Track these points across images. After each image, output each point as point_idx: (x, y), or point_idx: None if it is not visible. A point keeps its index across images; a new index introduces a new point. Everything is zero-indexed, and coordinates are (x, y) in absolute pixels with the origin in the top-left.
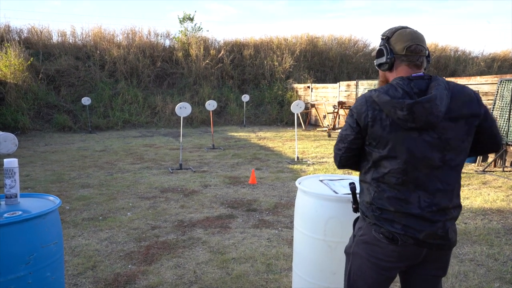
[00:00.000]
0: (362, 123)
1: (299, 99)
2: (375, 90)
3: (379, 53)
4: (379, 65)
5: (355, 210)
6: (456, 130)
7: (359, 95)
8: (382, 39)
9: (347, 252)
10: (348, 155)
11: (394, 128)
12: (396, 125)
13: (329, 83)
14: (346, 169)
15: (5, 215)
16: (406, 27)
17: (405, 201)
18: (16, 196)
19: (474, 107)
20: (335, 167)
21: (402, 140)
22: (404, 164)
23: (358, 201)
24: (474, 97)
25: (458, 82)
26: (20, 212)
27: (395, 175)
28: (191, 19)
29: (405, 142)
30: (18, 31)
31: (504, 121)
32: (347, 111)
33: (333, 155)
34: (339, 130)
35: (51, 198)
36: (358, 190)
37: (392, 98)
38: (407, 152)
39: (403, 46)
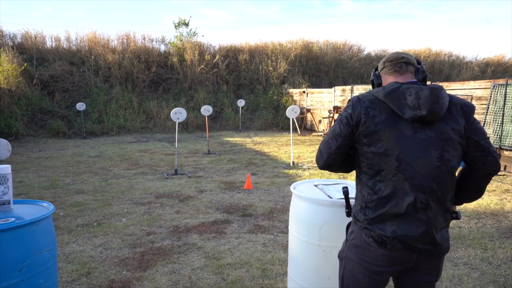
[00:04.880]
0: (355, 119)
1: (295, 104)
2: (370, 91)
3: (371, 83)
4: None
5: (348, 214)
6: (453, 133)
7: None
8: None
9: (340, 256)
10: (339, 153)
11: (387, 125)
12: (389, 122)
13: (324, 88)
14: (328, 171)
15: None
16: None
17: (399, 201)
18: (9, 203)
19: (467, 117)
20: (330, 172)
21: (394, 137)
22: (396, 161)
23: (351, 205)
24: (471, 108)
25: (452, 87)
26: (13, 219)
27: (390, 172)
28: (186, 24)
29: (398, 139)
30: (12, 36)
31: (497, 125)
32: None
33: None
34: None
35: (44, 204)
36: (353, 195)
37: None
38: (399, 149)
39: (383, 61)
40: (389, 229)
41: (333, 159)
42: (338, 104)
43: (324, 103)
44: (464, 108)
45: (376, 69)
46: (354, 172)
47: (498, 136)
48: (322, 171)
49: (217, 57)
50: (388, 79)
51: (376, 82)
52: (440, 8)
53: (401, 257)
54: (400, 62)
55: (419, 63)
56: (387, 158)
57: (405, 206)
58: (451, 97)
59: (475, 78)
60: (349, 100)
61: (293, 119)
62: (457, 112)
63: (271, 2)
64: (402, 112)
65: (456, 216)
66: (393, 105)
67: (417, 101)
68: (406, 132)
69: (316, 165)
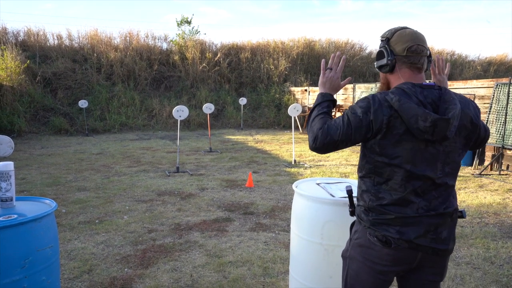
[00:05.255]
0: (376, 127)
1: (296, 102)
2: (391, 92)
3: (380, 55)
4: (380, 67)
5: (352, 213)
6: (456, 144)
7: (356, 99)
8: (382, 40)
9: (344, 256)
10: (343, 142)
11: (404, 137)
12: (406, 135)
13: None
14: (319, 153)
15: (0, 218)
16: (406, 27)
17: (403, 206)
18: (11, 200)
19: (475, 123)
20: (332, 170)
21: (409, 150)
22: (406, 172)
23: (355, 204)
24: (477, 112)
25: (455, 86)
26: (15, 216)
27: (397, 183)
28: (189, 22)
29: (411, 153)
30: (15, 33)
31: (500, 124)
32: None
33: (320, 141)
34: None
35: (47, 201)
36: (355, 194)
37: (417, 105)
38: (411, 162)
39: (403, 47)
40: (393, 230)
41: (333, 146)
42: (340, 102)
43: None
44: (473, 112)
45: (388, 43)
46: (355, 171)
47: (500, 135)
48: (324, 169)
49: (218, 55)
50: (404, 73)
51: (391, 64)
52: (440, 7)
53: (406, 257)
54: (423, 57)
55: (429, 54)
56: (398, 169)
57: (408, 211)
58: (462, 106)
59: (477, 77)
60: (366, 100)
61: (294, 117)
62: (467, 120)
63: (271, 0)
64: (412, 133)
65: (461, 215)
66: (405, 120)
67: (432, 129)
68: (420, 146)
69: (317, 164)
